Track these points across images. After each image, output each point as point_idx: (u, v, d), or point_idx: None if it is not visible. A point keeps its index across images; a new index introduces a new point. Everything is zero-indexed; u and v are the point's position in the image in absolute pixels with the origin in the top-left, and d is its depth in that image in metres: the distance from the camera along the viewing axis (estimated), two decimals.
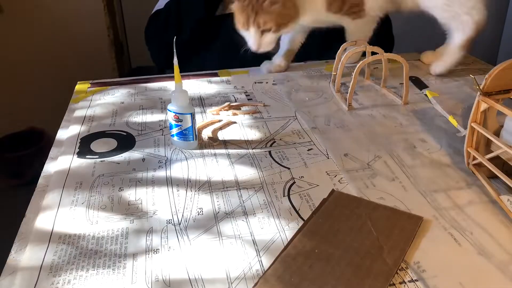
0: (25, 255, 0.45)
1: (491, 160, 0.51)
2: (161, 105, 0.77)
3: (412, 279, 0.41)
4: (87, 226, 0.49)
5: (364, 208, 0.50)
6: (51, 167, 0.60)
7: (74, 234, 0.48)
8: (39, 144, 1.87)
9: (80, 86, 0.86)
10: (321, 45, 0.99)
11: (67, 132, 0.69)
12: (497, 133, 0.52)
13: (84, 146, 0.64)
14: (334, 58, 0.82)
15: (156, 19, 1.06)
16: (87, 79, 0.88)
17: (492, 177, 0.54)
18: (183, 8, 0.99)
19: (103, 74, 1.05)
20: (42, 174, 0.58)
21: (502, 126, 0.52)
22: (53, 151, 0.64)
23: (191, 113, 0.60)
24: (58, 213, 0.51)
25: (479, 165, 0.54)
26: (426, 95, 0.70)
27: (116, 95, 0.81)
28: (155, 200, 0.53)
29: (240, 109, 0.74)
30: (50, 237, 0.47)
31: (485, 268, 0.42)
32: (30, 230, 0.48)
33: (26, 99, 1.92)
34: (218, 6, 1.01)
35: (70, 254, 0.45)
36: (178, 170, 0.58)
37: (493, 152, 0.52)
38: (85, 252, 0.45)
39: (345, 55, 0.75)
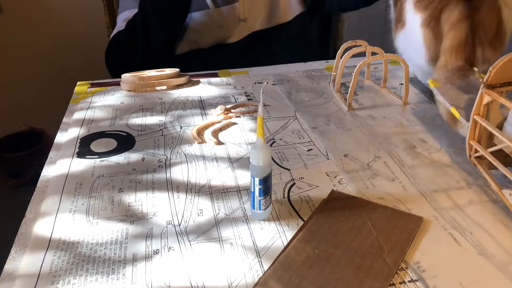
0: (25, 256, 0.45)
1: (493, 153, 0.51)
2: (161, 105, 0.77)
3: (412, 279, 0.41)
4: (87, 228, 0.49)
5: (364, 208, 0.50)
6: (50, 167, 0.60)
7: (74, 235, 0.48)
8: (39, 144, 1.87)
9: (80, 86, 0.86)
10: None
11: (66, 132, 0.69)
12: (500, 126, 0.52)
13: (84, 146, 0.64)
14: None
15: (117, 40, 1.03)
16: (87, 79, 0.88)
17: (493, 168, 0.53)
18: (151, 22, 0.97)
19: (103, 74, 1.05)
20: (42, 175, 0.58)
21: (505, 119, 0.52)
22: (52, 152, 0.64)
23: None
24: (58, 214, 0.51)
25: (480, 158, 0.54)
26: (428, 84, 0.69)
27: (116, 95, 0.81)
28: (155, 201, 0.53)
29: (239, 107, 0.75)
30: (50, 238, 0.47)
31: (485, 268, 0.42)
32: (30, 230, 0.48)
33: (26, 99, 1.92)
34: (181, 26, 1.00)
35: (70, 255, 0.45)
36: (178, 171, 0.58)
37: (496, 145, 0.51)
38: (85, 253, 0.45)
39: (345, 55, 0.75)
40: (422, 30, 0.74)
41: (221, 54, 1.04)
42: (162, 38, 0.98)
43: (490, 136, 0.53)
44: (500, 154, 0.51)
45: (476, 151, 0.54)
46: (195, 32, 1.02)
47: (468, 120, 0.54)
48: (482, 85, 0.50)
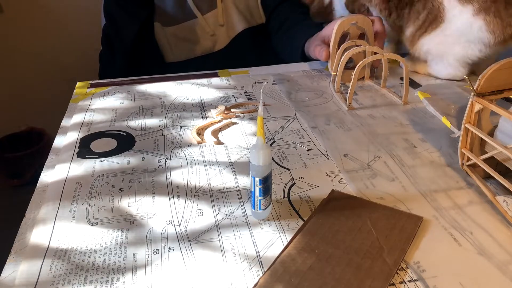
0: (23, 262, 0.45)
1: (485, 160, 0.51)
2: (161, 105, 0.77)
3: (412, 279, 0.41)
4: (86, 228, 0.49)
5: (364, 208, 0.50)
6: (51, 168, 0.60)
7: (74, 235, 0.48)
8: (39, 144, 1.88)
9: (80, 86, 0.86)
10: None
11: (66, 133, 0.69)
12: (490, 134, 0.52)
13: (84, 146, 0.64)
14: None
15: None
16: (87, 79, 0.88)
17: (486, 177, 0.54)
18: (116, 17, 0.99)
19: None
20: (42, 175, 0.58)
21: (495, 127, 0.52)
22: (53, 151, 0.64)
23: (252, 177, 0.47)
24: (58, 214, 0.51)
25: (473, 166, 0.55)
26: (418, 96, 0.70)
27: (116, 95, 0.81)
28: (155, 201, 0.53)
29: (240, 108, 0.75)
30: (50, 239, 0.47)
31: (485, 268, 0.42)
32: (30, 230, 0.48)
33: (26, 99, 1.92)
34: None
35: (70, 256, 0.45)
36: (178, 171, 0.58)
37: (487, 152, 0.52)
38: (85, 253, 0.45)
39: (345, 55, 0.75)
40: (479, 18, 0.74)
41: (212, 60, 1.05)
42: (134, 28, 0.98)
43: (481, 144, 0.53)
44: (492, 162, 0.51)
45: (469, 159, 0.54)
46: (186, 41, 1.03)
47: (459, 129, 0.54)
48: (472, 94, 0.51)
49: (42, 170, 0.59)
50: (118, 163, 0.60)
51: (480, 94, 0.51)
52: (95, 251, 0.45)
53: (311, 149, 0.63)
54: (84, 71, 1.87)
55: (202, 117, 0.72)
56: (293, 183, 0.55)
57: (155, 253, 0.45)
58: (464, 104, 0.52)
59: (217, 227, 0.48)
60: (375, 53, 0.77)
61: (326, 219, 0.48)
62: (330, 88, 0.82)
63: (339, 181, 0.55)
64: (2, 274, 0.43)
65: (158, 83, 0.85)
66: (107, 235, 0.47)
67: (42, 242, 0.47)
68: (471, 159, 0.53)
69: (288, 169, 0.58)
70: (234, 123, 0.70)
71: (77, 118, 0.73)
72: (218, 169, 0.58)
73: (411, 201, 0.51)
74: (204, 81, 0.87)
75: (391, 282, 0.41)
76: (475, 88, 0.50)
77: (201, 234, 0.47)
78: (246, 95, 0.80)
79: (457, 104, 0.63)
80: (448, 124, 0.58)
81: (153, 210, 0.51)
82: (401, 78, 0.84)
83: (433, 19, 0.79)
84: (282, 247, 0.45)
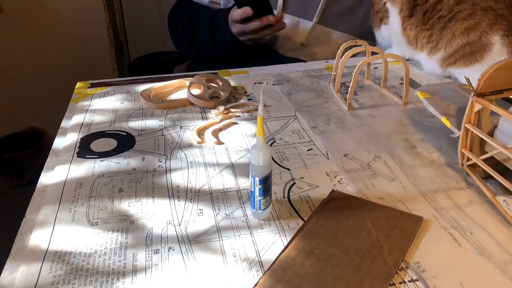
0: (26, 254, 0.45)
1: (485, 160, 0.51)
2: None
3: (412, 279, 0.41)
4: (86, 228, 0.49)
5: (364, 208, 0.50)
6: (50, 168, 0.60)
7: (74, 235, 0.48)
8: (39, 144, 1.88)
9: (80, 86, 0.86)
10: None
11: (66, 133, 0.69)
12: (490, 134, 0.52)
13: (84, 146, 0.64)
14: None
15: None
16: (87, 79, 0.88)
17: (486, 177, 0.54)
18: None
19: (103, 74, 1.05)
20: (42, 175, 0.58)
21: (495, 127, 0.52)
22: (52, 152, 0.64)
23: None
24: (58, 214, 0.51)
25: (473, 166, 0.55)
26: (417, 96, 0.70)
27: (116, 95, 0.81)
28: (155, 201, 0.53)
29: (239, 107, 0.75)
30: (50, 239, 0.47)
31: (485, 268, 0.42)
32: (30, 230, 0.48)
33: (26, 99, 1.92)
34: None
35: (70, 256, 0.45)
36: (178, 171, 0.58)
37: (487, 152, 0.52)
38: (85, 253, 0.45)
39: (345, 55, 0.75)
40: None
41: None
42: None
43: (481, 144, 0.53)
44: (491, 162, 0.51)
45: (468, 159, 0.54)
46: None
47: (459, 129, 0.54)
48: (472, 94, 0.51)
49: (42, 170, 0.59)
50: (118, 163, 0.60)
51: (480, 94, 0.51)
52: (95, 251, 0.45)
53: (311, 149, 0.63)
54: (84, 71, 1.88)
55: (202, 118, 0.72)
56: (293, 183, 0.55)
57: (155, 253, 0.45)
58: (464, 104, 0.52)
59: (217, 227, 0.48)
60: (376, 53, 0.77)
61: (326, 219, 0.48)
62: (330, 88, 0.82)
63: (339, 181, 0.55)
64: (1, 275, 0.43)
65: (158, 83, 0.85)
66: (107, 235, 0.47)
67: (42, 242, 0.47)
68: (471, 159, 0.53)
69: (288, 169, 0.58)
70: (234, 123, 0.70)
71: (77, 118, 0.73)
72: (218, 169, 0.58)
73: (411, 201, 0.51)
74: None
75: (391, 282, 0.41)
76: (475, 88, 0.50)
77: (201, 234, 0.47)
78: (246, 95, 0.80)
79: (457, 104, 0.62)
80: (448, 124, 0.58)
81: (153, 210, 0.51)
82: (401, 78, 0.84)
83: (469, 53, 0.76)
84: (282, 247, 0.45)
